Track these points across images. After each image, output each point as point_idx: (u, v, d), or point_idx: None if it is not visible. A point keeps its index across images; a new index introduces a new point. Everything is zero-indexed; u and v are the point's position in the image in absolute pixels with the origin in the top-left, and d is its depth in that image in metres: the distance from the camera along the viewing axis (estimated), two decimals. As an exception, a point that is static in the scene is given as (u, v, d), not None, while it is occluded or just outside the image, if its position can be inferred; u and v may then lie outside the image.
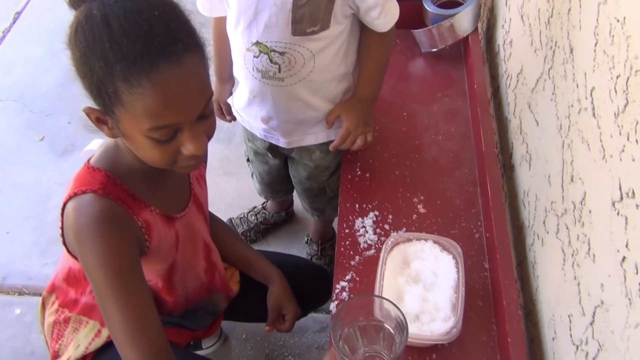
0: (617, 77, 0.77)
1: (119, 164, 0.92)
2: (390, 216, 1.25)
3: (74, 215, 0.87)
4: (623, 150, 0.75)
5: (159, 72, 0.75)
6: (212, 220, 1.27)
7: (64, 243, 0.93)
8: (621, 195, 0.75)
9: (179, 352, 0.98)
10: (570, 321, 0.91)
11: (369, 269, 1.16)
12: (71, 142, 2.24)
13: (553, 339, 0.98)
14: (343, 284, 1.15)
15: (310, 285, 1.36)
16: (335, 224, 1.74)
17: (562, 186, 0.97)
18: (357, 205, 1.27)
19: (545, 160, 1.06)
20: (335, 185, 1.45)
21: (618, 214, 0.75)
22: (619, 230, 0.75)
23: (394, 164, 1.35)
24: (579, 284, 0.88)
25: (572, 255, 0.91)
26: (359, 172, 1.33)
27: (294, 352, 1.58)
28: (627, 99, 0.74)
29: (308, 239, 1.77)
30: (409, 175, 1.32)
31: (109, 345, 1.11)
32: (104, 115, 0.82)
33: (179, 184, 1.05)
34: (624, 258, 0.73)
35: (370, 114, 1.28)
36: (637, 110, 0.71)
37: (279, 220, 1.86)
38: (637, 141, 0.71)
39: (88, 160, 0.94)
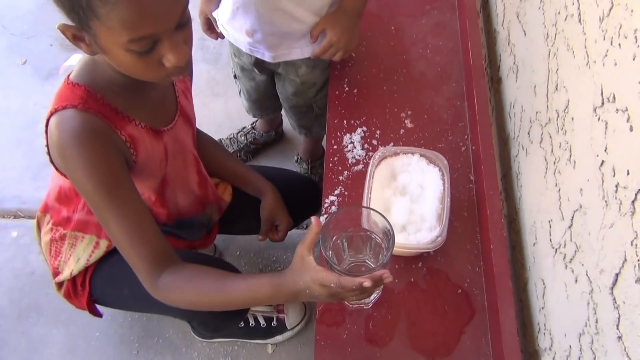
0: (604, -20, 0.76)
1: (99, 78, 0.91)
2: (378, 131, 1.26)
3: (56, 131, 0.87)
4: (606, 55, 0.75)
5: None
6: (201, 137, 1.27)
7: (51, 161, 0.93)
8: (602, 100, 0.75)
9: (181, 252, 1.01)
10: (550, 226, 0.94)
11: (357, 183, 1.18)
12: (55, 65, 2.20)
13: (534, 244, 1.02)
14: (332, 198, 1.17)
15: (300, 196, 1.39)
16: (324, 142, 1.75)
17: (546, 95, 0.98)
18: (345, 122, 1.27)
19: (532, 70, 1.06)
20: (322, 102, 1.44)
21: (599, 119, 0.76)
22: (598, 136, 0.76)
23: (381, 79, 1.34)
24: (559, 190, 0.90)
25: (554, 163, 0.93)
26: (347, 88, 1.33)
27: (286, 265, 1.63)
28: (612, 2, 0.73)
29: (298, 158, 1.79)
30: (396, 91, 1.32)
31: (109, 255, 1.15)
32: (80, 31, 0.80)
33: (164, 97, 1.05)
34: (602, 162, 0.75)
35: (355, 27, 1.26)
36: (621, 13, 0.71)
37: (269, 140, 1.86)
38: (619, 45, 0.71)
39: (68, 76, 0.93)
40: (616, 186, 0.71)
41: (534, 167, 1.03)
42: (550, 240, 0.93)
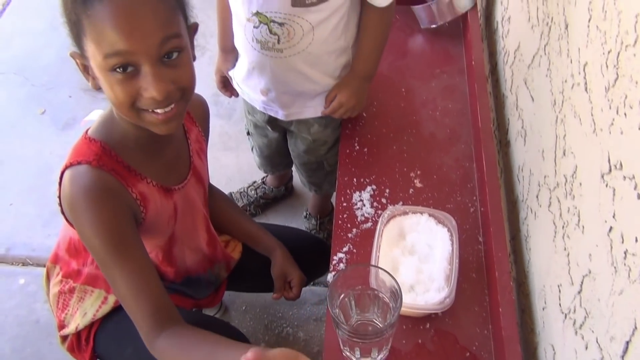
0: (609, 52, 0.78)
1: (115, 134, 0.94)
2: (387, 190, 1.27)
3: (69, 185, 0.90)
4: (612, 124, 0.77)
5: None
6: (213, 193, 1.29)
7: (62, 212, 0.95)
8: (610, 167, 0.77)
9: (184, 312, 1.01)
10: (559, 291, 0.93)
11: (366, 241, 1.19)
12: (72, 116, 2.26)
13: (543, 308, 1.01)
14: (340, 255, 1.17)
15: (309, 257, 1.40)
16: (333, 199, 1.77)
17: (554, 160, 0.99)
18: (354, 179, 1.29)
19: (540, 135, 1.08)
20: (333, 159, 1.47)
21: (606, 185, 0.77)
22: (606, 202, 0.77)
23: (391, 139, 1.37)
24: (568, 254, 0.90)
25: (563, 227, 0.93)
26: (357, 147, 1.35)
27: (292, 323, 1.62)
28: (617, 74, 0.76)
29: (307, 214, 1.80)
30: (406, 150, 1.35)
31: (115, 311, 1.14)
32: (81, 56, 0.84)
33: (178, 156, 1.07)
34: (610, 228, 0.76)
35: (365, 90, 1.30)
36: (626, 84, 0.73)
37: (279, 195, 1.88)
38: (625, 114, 0.73)
39: (86, 131, 0.96)
40: (625, 252, 0.71)
41: (543, 230, 1.03)
42: (560, 305, 0.93)
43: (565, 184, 0.94)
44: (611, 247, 0.75)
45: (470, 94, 1.43)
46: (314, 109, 1.33)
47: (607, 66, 0.79)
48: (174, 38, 0.83)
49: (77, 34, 0.81)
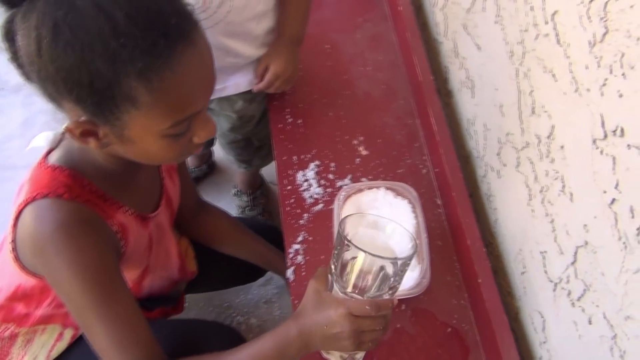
0: (590, 1, 0.70)
1: (85, 159, 0.77)
2: (332, 164, 1.16)
3: (34, 224, 0.72)
4: (605, 84, 0.69)
5: (180, 59, 0.62)
6: (212, 212, 1.16)
7: (16, 259, 0.77)
8: (605, 132, 0.70)
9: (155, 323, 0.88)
10: (543, 257, 0.88)
11: (321, 225, 1.08)
12: None
13: (522, 273, 0.97)
14: (296, 246, 1.06)
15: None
16: (262, 170, 1.63)
17: (519, 118, 0.92)
18: (294, 158, 1.16)
19: (495, 88, 1.00)
20: (262, 134, 1.33)
21: (602, 152, 0.71)
22: (604, 170, 0.71)
23: (325, 105, 1.24)
24: (552, 221, 0.85)
25: (541, 191, 0.87)
26: (290, 119, 1.21)
27: (242, 311, 1.50)
28: (606, 27, 0.67)
29: (236, 191, 1.65)
30: (343, 116, 1.23)
31: (74, 346, 0.98)
32: (96, 125, 0.67)
33: (151, 180, 0.90)
34: (613, 200, 0.70)
35: (297, 56, 1.15)
36: (621, 40, 0.65)
37: (201, 174, 1.71)
38: (624, 75, 0.65)
39: (44, 159, 0.77)
40: (638, 229, 0.65)
41: (513, 191, 0.97)
42: (546, 272, 0.88)
43: (538, 145, 0.87)
44: (616, 221, 0.69)
45: (400, 43, 1.32)
46: (236, 85, 1.17)
47: (589, 17, 0.70)
48: None
49: (114, 109, 0.64)
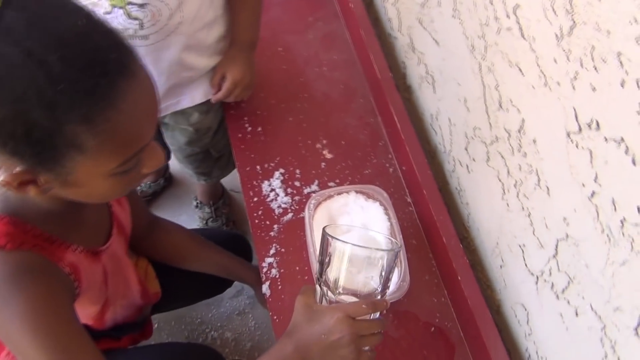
0: (553, -6, 0.69)
1: (26, 206, 0.70)
2: (297, 170, 1.13)
3: None
4: (576, 78, 0.68)
5: (124, 95, 0.57)
6: (169, 229, 1.10)
7: None
8: (579, 126, 0.69)
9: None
10: (522, 251, 0.88)
11: (292, 235, 1.05)
12: None
13: (501, 266, 0.97)
14: (269, 260, 1.03)
15: (232, 252, 1.23)
16: (223, 180, 1.58)
17: (486, 112, 0.91)
18: (258, 167, 1.13)
19: (457, 83, 0.99)
20: (220, 144, 1.28)
21: (577, 146, 0.70)
22: (580, 164, 0.70)
23: (284, 110, 1.21)
24: (529, 214, 0.84)
25: (515, 185, 0.86)
26: (249, 128, 1.17)
27: (215, 325, 1.46)
28: (573, 20, 0.66)
29: (198, 203, 1.60)
30: (303, 120, 1.20)
31: None
32: (37, 174, 0.61)
33: (99, 212, 0.85)
34: (593, 193, 0.69)
35: (253, 62, 1.11)
36: (590, 33, 0.64)
37: (158, 188, 1.64)
38: (596, 68, 0.65)
39: None
40: (622, 222, 0.65)
41: (485, 186, 0.96)
42: (526, 265, 0.88)
43: (509, 139, 0.86)
44: (597, 214, 0.69)
45: (354, 40, 1.29)
46: (191, 97, 1.12)
47: (554, 11, 0.69)
48: None
49: (58, 156, 0.58)
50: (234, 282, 1.28)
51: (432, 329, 0.98)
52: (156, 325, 1.46)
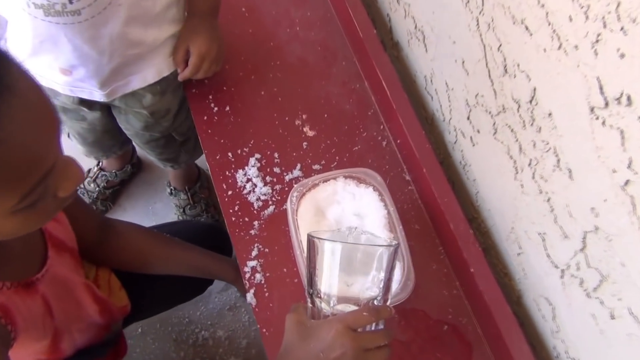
0: None
1: None
2: (275, 154, 0.99)
3: None
4: (597, 41, 0.53)
5: (8, 119, 0.47)
6: (131, 233, 0.98)
7: None
8: (605, 100, 0.54)
9: None
10: (543, 240, 0.75)
11: (275, 231, 0.93)
12: None
13: (519, 254, 0.83)
14: (251, 263, 0.91)
15: (208, 248, 1.10)
16: (198, 161, 1.43)
17: (489, 77, 0.75)
18: (229, 155, 0.98)
19: (452, 41, 0.83)
20: (183, 127, 1.13)
21: (604, 124, 0.56)
22: (610, 146, 0.56)
23: (255, 83, 1.05)
24: (549, 199, 0.70)
25: (530, 165, 0.72)
26: (215, 108, 1.02)
27: (205, 324, 1.34)
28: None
29: (172, 189, 1.45)
30: (278, 92, 1.04)
31: None
32: None
33: (25, 236, 0.73)
34: (627, 181, 0.55)
35: (218, 28, 0.96)
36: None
37: (126, 176, 1.48)
38: (623, 30, 0.49)
39: None
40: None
41: (493, 163, 0.82)
42: (549, 256, 0.74)
43: (518, 110, 0.71)
44: (633, 207, 0.55)
45: (329, -7, 1.12)
46: (142, 77, 0.97)
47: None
48: None
49: None
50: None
51: (445, 327, 0.87)
52: (140, 330, 1.34)
